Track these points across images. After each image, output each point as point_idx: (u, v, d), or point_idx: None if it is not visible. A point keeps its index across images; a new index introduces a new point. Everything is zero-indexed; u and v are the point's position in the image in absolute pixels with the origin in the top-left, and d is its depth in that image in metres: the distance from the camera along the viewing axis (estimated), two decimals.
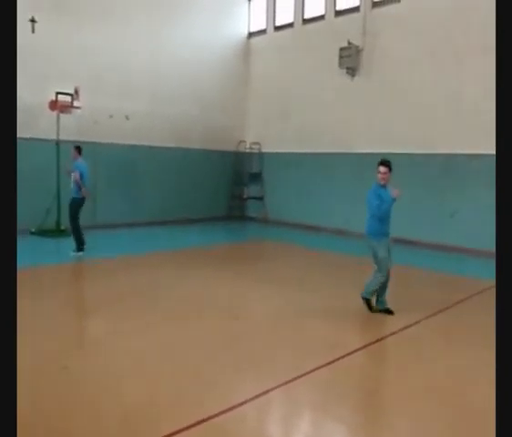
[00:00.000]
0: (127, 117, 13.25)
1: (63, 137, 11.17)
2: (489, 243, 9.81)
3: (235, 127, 16.26)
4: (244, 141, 16.36)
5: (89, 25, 12.32)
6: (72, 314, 6.42)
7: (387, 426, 3.78)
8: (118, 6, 12.92)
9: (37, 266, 8.39)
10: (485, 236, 10.37)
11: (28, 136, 10.84)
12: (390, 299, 6.40)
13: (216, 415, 3.62)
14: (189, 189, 14.90)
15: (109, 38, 12.76)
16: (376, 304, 6.38)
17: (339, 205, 13.63)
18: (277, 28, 15.63)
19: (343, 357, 4.87)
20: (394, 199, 6.01)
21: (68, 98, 11.06)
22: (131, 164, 13.53)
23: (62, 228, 11.22)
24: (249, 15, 16.38)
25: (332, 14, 14.00)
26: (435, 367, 4.81)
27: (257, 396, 3.98)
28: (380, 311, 6.32)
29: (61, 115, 11.13)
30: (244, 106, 16.50)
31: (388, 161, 6.18)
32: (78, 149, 9.67)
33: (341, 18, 13.75)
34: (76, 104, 11.23)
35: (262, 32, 16.04)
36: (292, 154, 14.95)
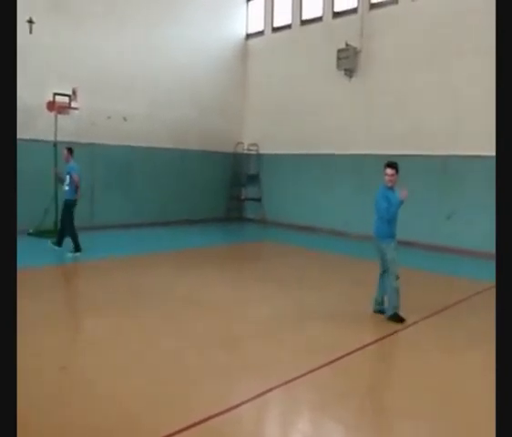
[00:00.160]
0: (124, 119, 13.25)
1: (60, 138, 11.13)
2: (487, 244, 9.86)
3: (233, 129, 16.26)
4: (242, 143, 16.36)
5: (87, 27, 12.32)
6: (70, 315, 6.41)
7: (387, 426, 3.79)
8: (116, 8, 12.92)
9: (35, 267, 8.35)
10: (482, 237, 10.41)
11: (27, 137, 10.80)
12: None
13: (216, 415, 3.61)
14: (186, 191, 14.89)
15: (107, 40, 12.76)
16: (376, 304, 6.37)
17: (337, 206, 13.65)
18: (275, 30, 15.64)
19: (342, 357, 4.87)
20: (401, 201, 5.96)
21: (66, 99, 11.04)
22: (129, 165, 13.52)
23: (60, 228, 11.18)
24: (247, 17, 16.39)
25: (330, 15, 14.03)
26: (434, 367, 4.81)
27: (257, 396, 3.98)
28: (377, 312, 6.32)
29: (59, 116, 11.09)
30: (242, 107, 16.51)
31: (395, 163, 6.13)
32: (70, 151, 9.62)
33: (338, 20, 13.78)
34: (73, 105, 11.19)
35: (260, 33, 16.05)
36: (290, 155, 14.96)
